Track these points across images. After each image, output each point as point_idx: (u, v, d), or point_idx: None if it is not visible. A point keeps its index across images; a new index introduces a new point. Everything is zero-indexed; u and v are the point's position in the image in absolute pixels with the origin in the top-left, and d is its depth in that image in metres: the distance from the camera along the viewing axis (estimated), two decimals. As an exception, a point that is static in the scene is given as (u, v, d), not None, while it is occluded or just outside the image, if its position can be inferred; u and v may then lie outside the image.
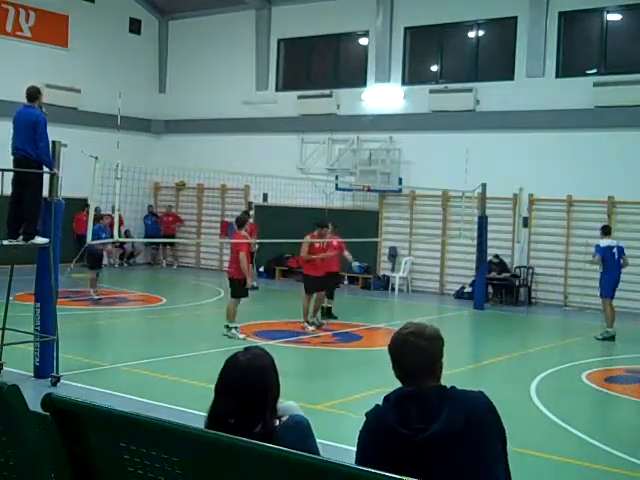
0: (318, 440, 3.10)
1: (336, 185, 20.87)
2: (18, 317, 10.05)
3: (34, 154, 9.00)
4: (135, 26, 24.79)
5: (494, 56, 20.39)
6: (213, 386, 3.05)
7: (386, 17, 20.81)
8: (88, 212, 11.32)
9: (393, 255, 20.69)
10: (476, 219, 17.82)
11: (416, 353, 3.00)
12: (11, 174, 9.06)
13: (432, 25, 20.48)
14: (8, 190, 8.96)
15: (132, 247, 24.20)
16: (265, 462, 2.02)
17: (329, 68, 22.82)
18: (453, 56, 20.92)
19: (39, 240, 9.07)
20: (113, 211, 11.24)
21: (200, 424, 2.78)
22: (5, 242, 9.04)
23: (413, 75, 21.00)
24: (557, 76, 18.71)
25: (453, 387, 3.00)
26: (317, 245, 13.92)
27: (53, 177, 9.14)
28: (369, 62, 21.36)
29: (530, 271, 18.75)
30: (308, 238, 13.91)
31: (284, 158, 21.47)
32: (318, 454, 2.88)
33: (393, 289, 19.99)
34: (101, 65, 23.20)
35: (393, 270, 20.51)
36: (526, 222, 18.94)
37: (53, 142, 9.23)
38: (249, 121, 22.87)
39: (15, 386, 2.24)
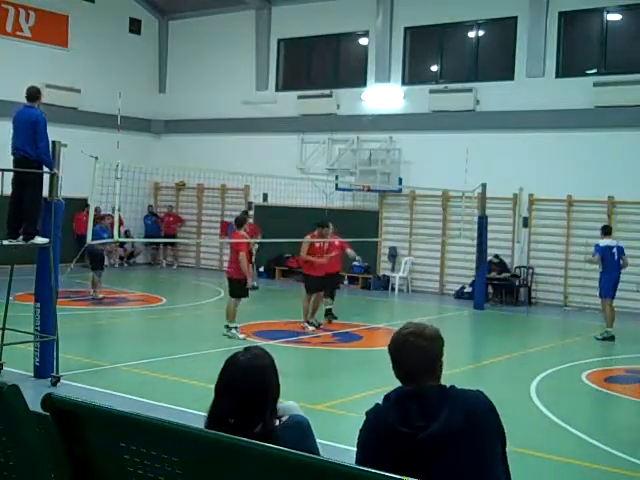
0: (318, 440, 3.10)
1: (336, 185, 20.87)
2: (18, 317, 10.05)
3: (34, 154, 9.00)
4: (135, 26, 24.79)
5: (494, 56, 20.39)
6: (213, 386, 3.05)
7: (386, 17, 20.81)
8: (88, 212, 11.32)
9: (393, 255, 20.69)
10: (476, 219, 17.82)
11: (416, 353, 3.01)
12: (11, 174, 9.06)
13: (432, 25, 20.48)
14: (8, 190, 8.96)
15: (132, 247, 24.21)
16: (265, 462, 2.02)
17: (329, 68, 22.82)
18: (453, 56, 20.92)
19: (39, 240, 9.07)
20: (113, 211, 11.24)
21: (200, 424, 2.78)
22: (5, 242, 9.04)
23: (413, 75, 21.01)
24: (557, 76, 18.71)
25: (453, 386, 3.01)
26: (317, 245, 13.92)
27: (53, 177, 9.14)
28: (369, 62, 21.36)
29: (530, 271, 18.75)
30: (308, 238, 13.90)
31: (284, 158, 21.47)
32: (318, 454, 2.88)
33: (393, 289, 19.99)
34: (101, 65, 23.21)
35: (393, 270, 20.51)
36: (526, 222, 18.94)
37: (53, 142, 9.22)
38: (249, 121, 22.87)
39: (15, 386, 2.24)
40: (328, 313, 14.58)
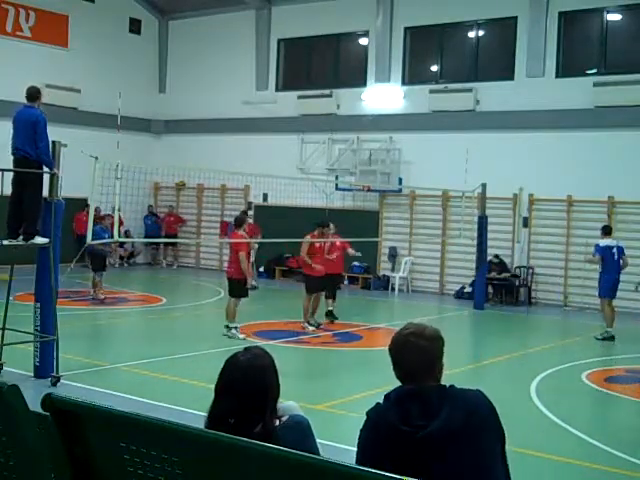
0: (318, 440, 3.10)
1: (336, 185, 20.87)
2: (18, 317, 10.05)
3: (34, 154, 9.00)
4: (135, 26, 24.79)
5: (494, 56, 20.39)
6: (213, 386, 3.05)
7: (386, 17, 20.81)
8: (88, 212, 11.32)
9: (393, 255, 20.69)
10: (476, 219, 17.82)
11: (417, 353, 3.02)
12: (11, 174, 9.06)
13: (432, 25, 20.48)
14: (8, 190, 8.96)
15: (132, 247, 24.21)
16: (265, 462, 2.02)
17: (329, 68, 22.82)
18: (453, 56, 20.92)
19: (39, 240, 9.07)
20: (113, 211, 11.24)
21: (200, 424, 2.78)
22: (5, 242, 9.04)
23: (413, 75, 21.01)
24: (557, 76, 18.71)
25: (452, 386, 3.02)
26: (317, 245, 13.91)
27: (53, 177, 9.14)
28: (369, 62, 21.36)
29: (530, 271, 18.75)
30: (308, 238, 13.89)
31: (284, 158, 21.47)
32: (318, 454, 2.88)
33: (393, 289, 19.99)
34: (101, 65, 23.21)
35: (393, 270, 20.51)
36: (526, 222, 18.94)
37: (53, 142, 9.22)
38: (249, 121, 22.88)
39: (15, 386, 2.24)
40: (329, 314, 14.56)
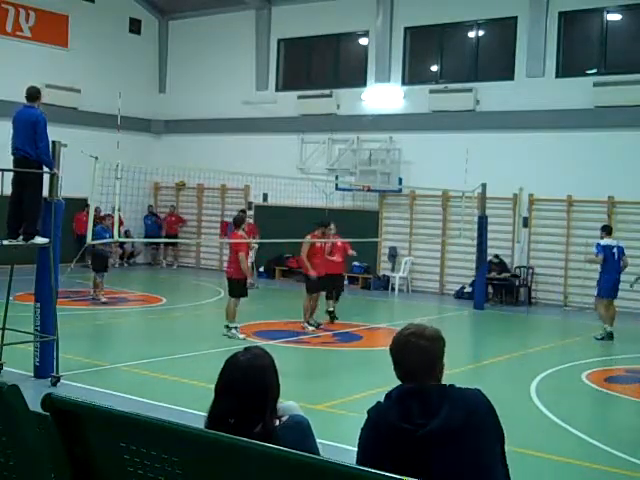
0: (318, 440, 3.10)
1: (336, 185, 20.87)
2: (18, 317, 10.05)
3: (34, 154, 9.00)
4: (135, 26, 24.79)
5: (494, 56, 20.39)
6: (213, 386, 3.05)
7: (386, 17, 20.81)
8: (88, 212, 11.32)
9: (393, 255, 20.69)
10: (476, 219, 17.82)
11: (417, 353, 3.03)
12: (11, 174, 9.06)
13: (432, 25, 20.48)
14: (8, 190, 8.96)
15: (132, 247, 24.22)
16: (265, 462, 2.02)
17: (329, 68, 22.82)
18: (453, 56, 20.92)
19: (39, 240, 9.07)
20: (113, 211, 11.24)
21: (200, 424, 2.78)
22: (5, 242, 9.04)
23: (413, 75, 21.01)
24: (557, 76, 18.71)
25: (452, 385, 3.03)
26: (318, 245, 13.91)
27: (53, 177, 9.14)
28: (369, 62, 21.36)
29: (530, 271, 18.75)
30: (309, 238, 13.87)
31: (284, 158, 21.47)
32: (318, 454, 2.89)
33: (393, 289, 19.99)
34: (101, 65, 23.21)
35: (393, 270, 20.51)
36: (526, 222, 18.94)
37: (53, 142, 9.22)
38: (249, 121, 22.88)
39: (15, 386, 2.24)
40: (330, 314, 14.54)
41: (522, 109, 18.65)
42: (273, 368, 3.10)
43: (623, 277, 13.98)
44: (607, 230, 14.10)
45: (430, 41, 21.05)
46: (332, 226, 14.18)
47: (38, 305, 9.23)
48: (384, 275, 20.58)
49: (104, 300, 15.78)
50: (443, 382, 3.08)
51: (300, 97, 22.17)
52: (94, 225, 11.12)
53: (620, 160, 17.34)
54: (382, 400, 3.05)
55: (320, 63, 23.31)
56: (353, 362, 11.53)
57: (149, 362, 10.44)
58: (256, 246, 17.91)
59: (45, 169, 9.14)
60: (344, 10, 21.63)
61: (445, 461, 2.82)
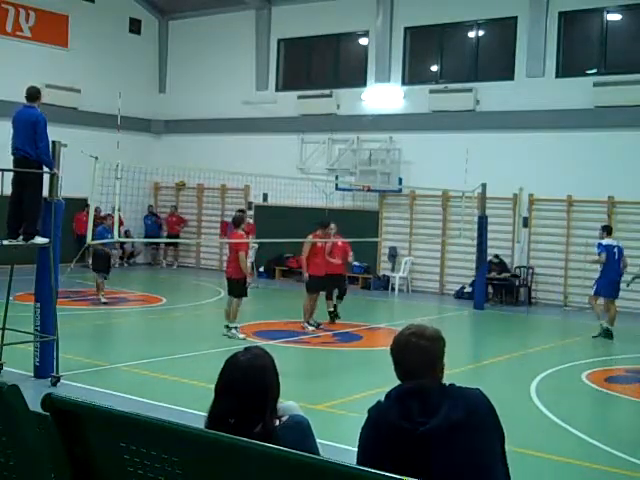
0: (318, 440, 3.10)
1: (336, 185, 20.87)
2: (18, 317, 10.05)
3: (34, 154, 9.00)
4: (135, 26, 24.79)
5: (494, 56, 20.39)
6: (213, 386, 3.05)
7: (386, 17, 20.81)
8: (88, 212, 11.32)
9: (393, 255, 20.69)
10: (476, 219, 17.82)
11: (418, 353, 3.04)
12: (11, 174, 9.06)
13: (432, 25, 20.48)
14: (8, 190, 8.96)
15: (132, 247, 24.22)
16: (265, 462, 2.02)
17: (329, 68, 22.82)
18: (453, 56, 20.92)
19: (39, 240, 9.07)
20: (113, 211, 11.24)
21: (200, 424, 2.78)
22: (5, 242, 9.04)
23: (413, 75, 21.01)
24: (557, 76, 18.71)
25: (452, 384, 3.04)
26: (319, 245, 13.90)
27: (53, 177, 9.14)
28: (369, 62, 21.36)
29: (530, 271, 18.75)
30: (310, 238, 13.86)
31: (284, 158, 21.47)
32: (318, 454, 2.88)
33: (393, 289, 19.99)
34: (101, 65, 23.21)
35: (393, 270, 20.51)
36: (526, 222, 18.94)
37: (53, 142, 9.22)
38: (249, 121, 22.88)
39: (15, 386, 2.24)
40: (330, 314, 14.53)
41: (522, 109, 18.65)
42: (273, 368, 3.10)
43: (623, 277, 13.99)
44: (607, 230, 14.11)
45: (430, 41, 21.05)
46: (332, 226, 14.17)
47: (38, 305, 9.23)
48: (384, 275, 20.58)
49: (104, 300, 15.75)
50: (443, 382, 3.08)
51: (300, 97, 22.17)
52: (95, 225, 11.12)
53: (620, 160, 17.34)
54: (382, 399, 3.05)
55: (320, 63, 23.31)
56: (353, 362, 11.53)
57: (149, 362, 10.44)
58: (256, 246, 17.92)
59: (45, 169, 9.14)
60: (344, 10, 21.63)
61: (445, 460, 2.82)
